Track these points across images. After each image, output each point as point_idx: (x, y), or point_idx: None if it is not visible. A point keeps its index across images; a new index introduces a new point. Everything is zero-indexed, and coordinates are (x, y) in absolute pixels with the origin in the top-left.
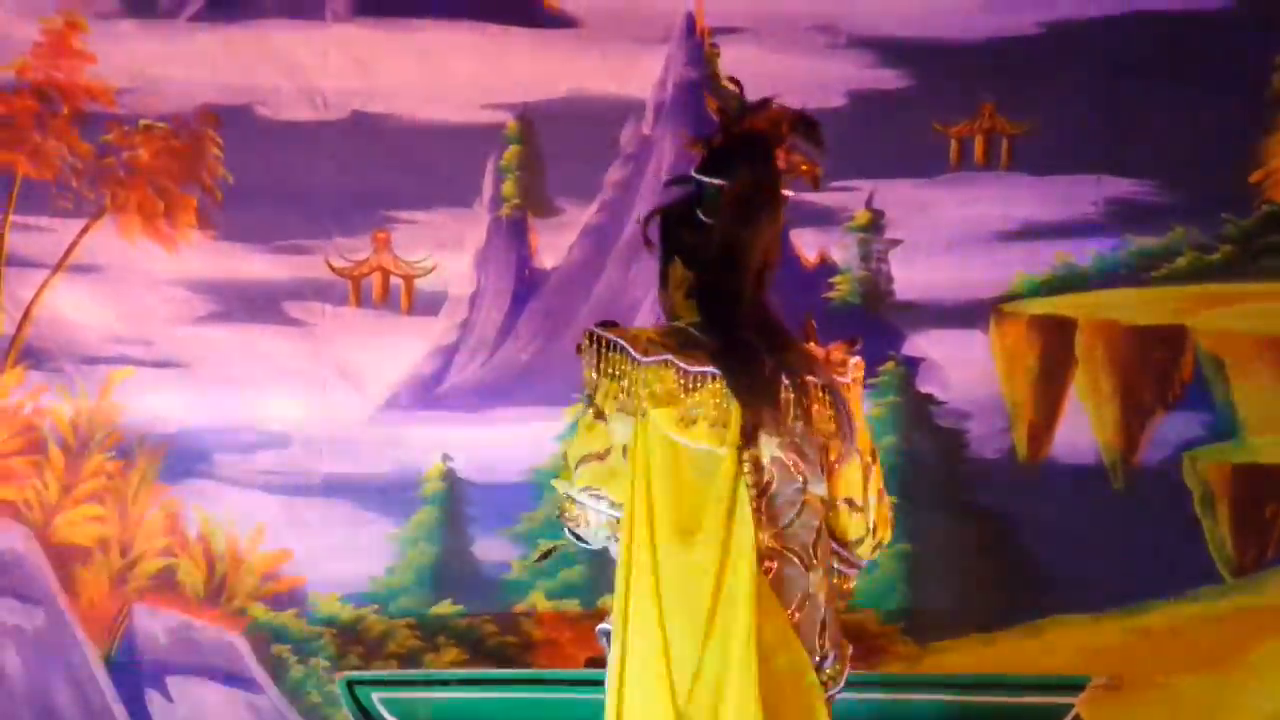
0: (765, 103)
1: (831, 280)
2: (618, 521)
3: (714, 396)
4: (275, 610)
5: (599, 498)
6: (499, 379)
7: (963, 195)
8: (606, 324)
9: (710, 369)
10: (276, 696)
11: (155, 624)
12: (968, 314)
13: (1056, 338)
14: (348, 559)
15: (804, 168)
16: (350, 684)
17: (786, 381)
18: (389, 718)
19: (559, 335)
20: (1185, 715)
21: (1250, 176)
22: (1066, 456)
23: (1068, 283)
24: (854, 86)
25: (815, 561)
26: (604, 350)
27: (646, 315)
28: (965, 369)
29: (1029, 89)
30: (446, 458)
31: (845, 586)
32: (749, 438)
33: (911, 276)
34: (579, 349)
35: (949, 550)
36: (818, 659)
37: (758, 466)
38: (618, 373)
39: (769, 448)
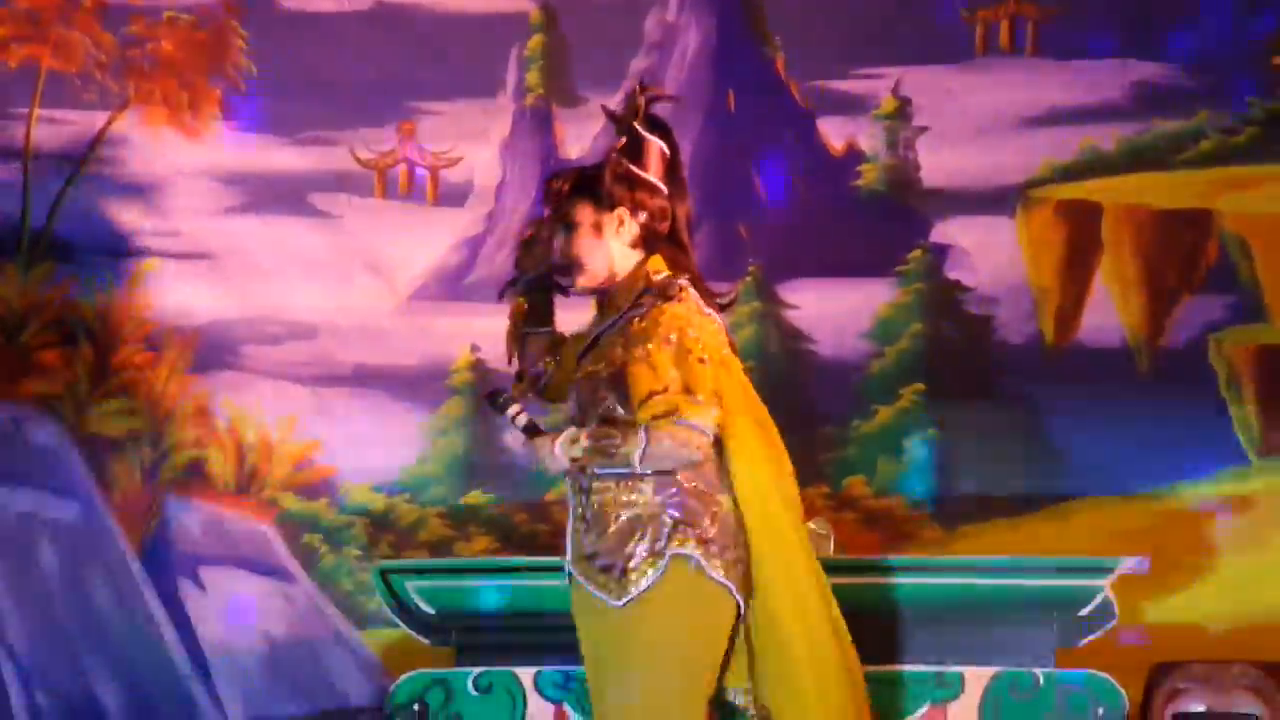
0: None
1: (859, 168)
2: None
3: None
4: (306, 500)
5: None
6: None
7: (989, 81)
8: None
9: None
10: (308, 585)
11: (187, 515)
12: (994, 200)
13: (1083, 223)
14: (378, 449)
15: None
16: (384, 572)
17: None
18: (423, 605)
19: None
20: (1214, 595)
21: (1273, 59)
22: (1093, 340)
23: (1093, 167)
24: None
25: None
26: (695, 300)
27: None
28: (992, 255)
29: None
30: (474, 348)
31: None
32: None
33: (938, 163)
34: (684, 295)
35: (976, 435)
36: None
37: None
38: (699, 323)
39: None
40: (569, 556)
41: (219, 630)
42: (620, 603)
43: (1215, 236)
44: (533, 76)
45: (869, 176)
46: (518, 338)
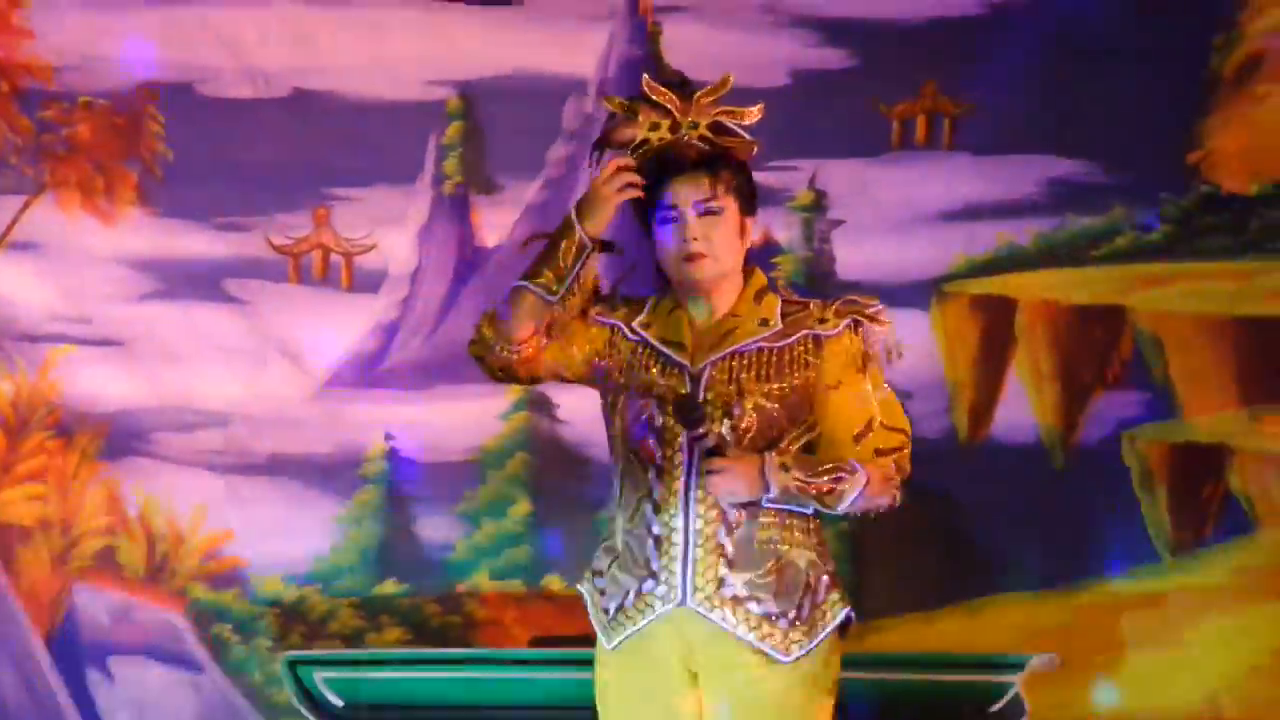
0: None
1: (774, 260)
2: None
3: None
4: (217, 590)
5: None
6: (441, 357)
7: (905, 175)
8: None
9: None
10: (218, 676)
11: (96, 604)
12: (909, 294)
13: (997, 317)
14: (290, 538)
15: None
16: (292, 663)
17: None
18: (331, 697)
19: None
20: (1124, 693)
21: (1189, 157)
22: (1007, 436)
23: (1009, 262)
24: (796, 65)
25: None
26: None
27: None
28: (906, 349)
29: (971, 69)
30: (388, 436)
31: None
32: None
33: (854, 256)
34: (877, 315)
35: (890, 530)
36: None
37: None
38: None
39: None
40: (685, 593)
41: None
42: (790, 659)
43: (1129, 333)
44: (450, 164)
45: (785, 268)
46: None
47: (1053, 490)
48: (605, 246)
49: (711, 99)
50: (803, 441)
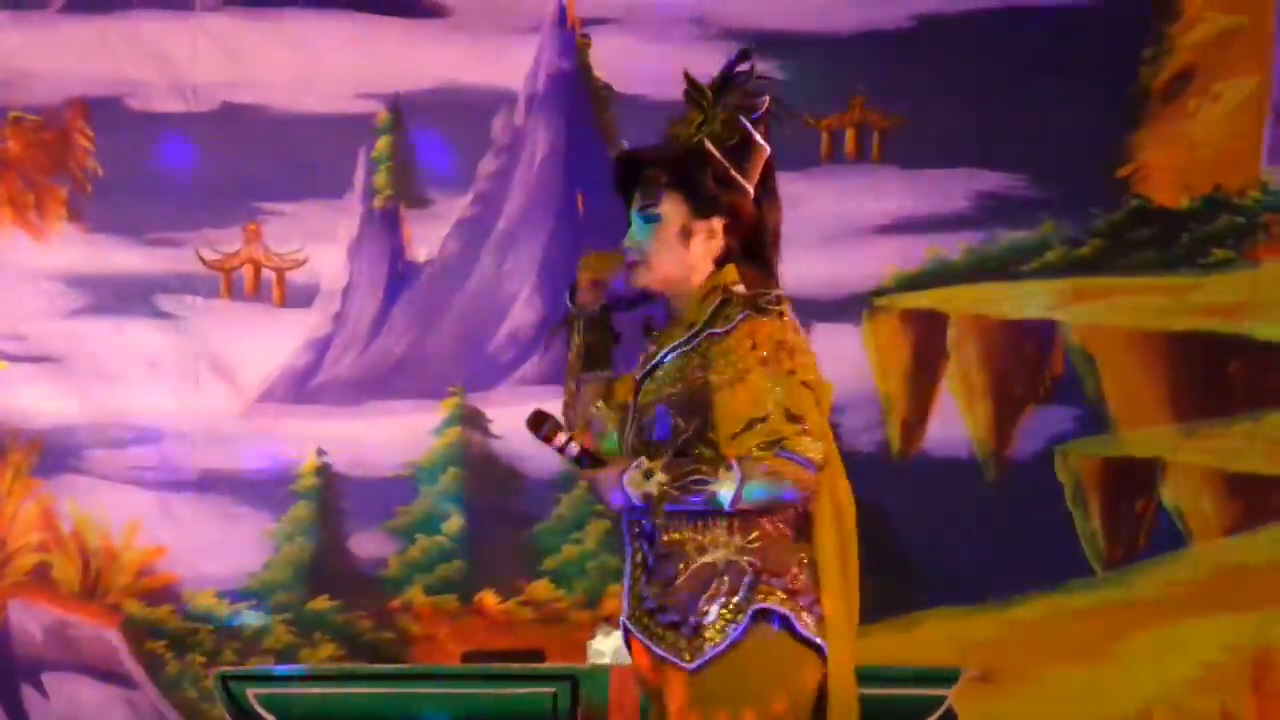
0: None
1: None
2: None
3: None
4: (151, 606)
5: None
6: (373, 372)
7: (834, 188)
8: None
9: None
10: (153, 692)
11: (30, 620)
12: (840, 308)
13: (928, 332)
14: (223, 554)
15: None
16: (224, 679)
17: None
18: (264, 714)
19: (433, 328)
20: (1056, 706)
21: (1119, 171)
22: (939, 450)
23: (939, 276)
24: None
25: None
26: (792, 316)
27: (522, 308)
28: (838, 363)
29: (900, 82)
30: (321, 452)
31: None
32: None
33: (784, 270)
34: (782, 308)
35: None
36: None
37: None
38: (796, 341)
39: None
40: (625, 611)
41: None
42: (693, 665)
43: (1061, 348)
44: (381, 178)
45: None
46: (573, 380)
47: (985, 505)
48: (607, 309)
49: (739, 90)
50: (678, 444)
